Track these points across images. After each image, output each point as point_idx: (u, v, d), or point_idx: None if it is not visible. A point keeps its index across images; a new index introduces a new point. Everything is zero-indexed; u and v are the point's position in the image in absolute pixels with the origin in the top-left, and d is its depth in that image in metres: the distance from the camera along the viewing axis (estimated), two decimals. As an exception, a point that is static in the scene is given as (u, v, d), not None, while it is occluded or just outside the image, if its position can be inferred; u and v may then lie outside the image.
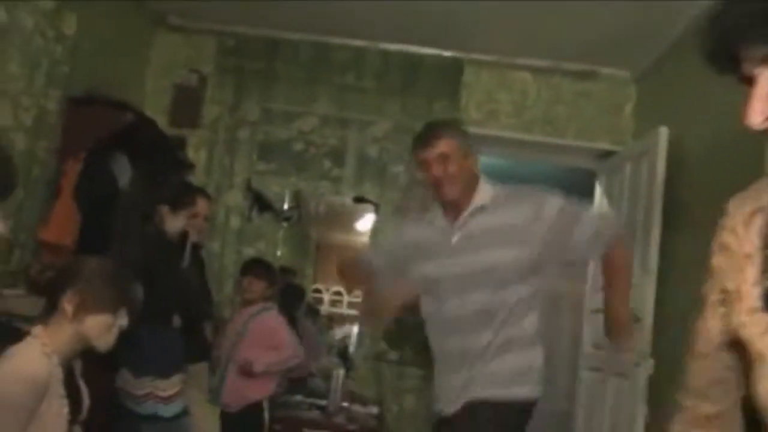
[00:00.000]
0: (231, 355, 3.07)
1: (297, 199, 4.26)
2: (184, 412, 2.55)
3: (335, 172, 3.82)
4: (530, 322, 1.94)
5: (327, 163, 3.82)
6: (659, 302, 2.88)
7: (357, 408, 3.61)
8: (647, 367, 2.92)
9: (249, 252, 3.75)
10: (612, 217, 2.13)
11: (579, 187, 4.29)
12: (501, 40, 3.53)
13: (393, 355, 3.68)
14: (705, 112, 2.86)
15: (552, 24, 3.26)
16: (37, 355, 1.50)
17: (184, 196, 2.82)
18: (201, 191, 3.07)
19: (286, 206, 3.94)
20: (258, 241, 3.80)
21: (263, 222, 3.83)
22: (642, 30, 3.19)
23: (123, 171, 3.12)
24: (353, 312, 8.23)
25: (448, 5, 3.20)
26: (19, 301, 2.38)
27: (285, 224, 4.12)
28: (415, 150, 1.96)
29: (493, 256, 1.88)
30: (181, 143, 3.71)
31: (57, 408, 1.53)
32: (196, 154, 3.76)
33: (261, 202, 3.80)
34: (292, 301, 4.25)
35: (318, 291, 9.01)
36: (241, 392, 3.04)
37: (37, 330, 1.58)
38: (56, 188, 2.78)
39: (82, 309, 1.57)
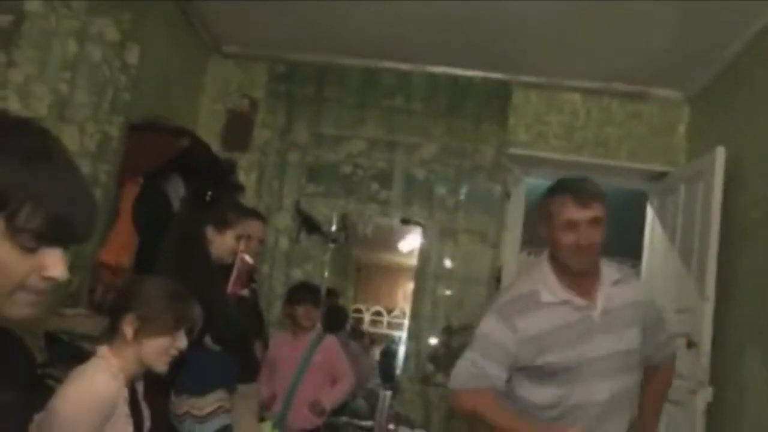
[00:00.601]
0: (296, 384, 3.14)
1: (344, 221, 4.30)
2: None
3: (383, 195, 3.85)
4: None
5: (374, 186, 3.86)
6: (717, 328, 2.80)
7: (404, 430, 3.56)
8: (705, 395, 2.83)
9: (297, 274, 3.80)
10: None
11: (630, 209, 4.24)
12: (549, 61, 3.52)
13: (440, 378, 3.64)
14: (762, 131, 2.79)
15: (601, 45, 3.25)
16: (105, 376, 1.55)
17: (229, 215, 2.76)
18: (255, 213, 3.07)
19: (333, 228, 3.99)
20: (306, 263, 3.85)
21: (311, 244, 3.88)
22: (694, 51, 3.15)
23: (178, 194, 3.21)
24: (393, 332, 8.20)
25: (496, 28, 3.22)
26: (81, 320, 2.45)
27: (332, 246, 4.16)
28: (563, 205, 1.68)
29: (632, 334, 1.76)
30: (233, 166, 3.80)
31: (122, 427, 1.58)
32: (246, 176, 3.84)
33: (309, 224, 3.86)
34: (337, 322, 4.28)
35: (358, 311, 9.04)
36: (306, 420, 3.13)
37: (103, 350, 1.62)
38: (115, 211, 2.86)
39: (141, 332, 1.62)
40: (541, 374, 1.73)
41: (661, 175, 3.61)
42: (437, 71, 3.76)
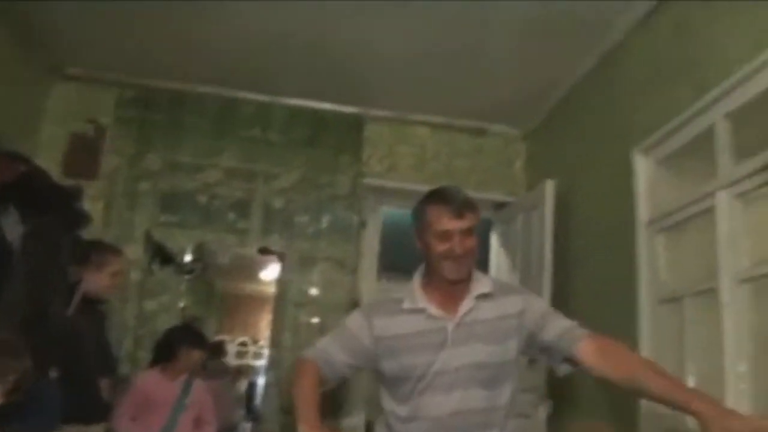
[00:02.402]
0: (172, 425, 3.07)
1: (200, 251, 4.20)
2: None
3: (241, 224, 3.81)
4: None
5: (232, 215, 3.81)
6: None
7: None
8: (546, 407, 3.08)
9: (151, 306, 3.64)
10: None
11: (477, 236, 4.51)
12: (399, 97, 3.73)
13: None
14: (587, 166, 3.14)
15: (447, 83, 3.50)
16: None
17: (105, 254, 2.82)
18: (114, 248, 2.99)
19: (188, 258, 3.89)
20: (161, 295, 3.71)
21: (165, 275, 3.74)
22: (529, 92, 3.50)
23: (13, 225, 2.97)
24: (259, 362, 8.02)
25: (350, 64, 3.37)
26: None
27: (188, 277, 4.05)
28: (439, 216, 1.72)
29: (497, 349, 1.74)
30: (77, 194, 3.58)
31: None
32: (93, 205, 3.63)
33: (163, 255, 3.73)
34: (208, 363, 4.13)
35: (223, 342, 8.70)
36: None
37: None
38: None
39: None
40: (396, 383, 1.76)
41: (502, 205, 3.92)
42: (296, 103, 3.83)
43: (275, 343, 3.81)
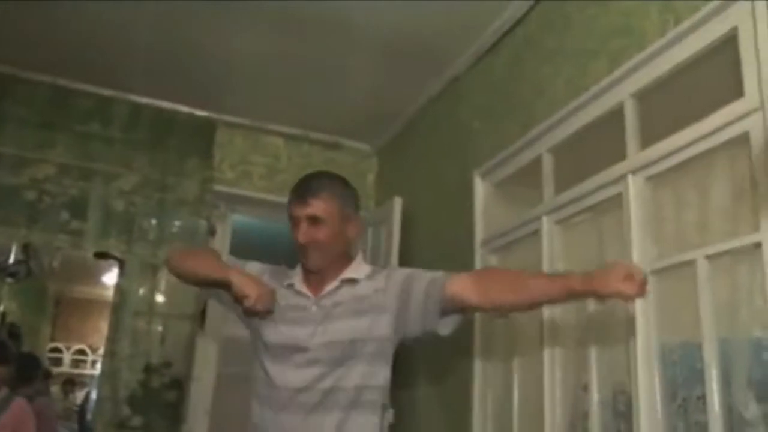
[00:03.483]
0: None
1: (27, 252, 3.84)
2: None
3: (75, 225, 3.53)
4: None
5: (65, 215, 3.52)
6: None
7: None
8: (389, 416, 3.15)
9: (-39, 313, 3.27)
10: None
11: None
12: (253, 104, 3.66)
13: (137, 421, 3.43)
14: (430, 183, 3.29)
15: (302, 95, 3.51)
16: None
17: None
18: None
19: (11, 260, 3.54)
20: (-25, 299, 3.34)
21: (-18, 278, 3.38)
22: (379, 109, 3.61)
23: None
24: (96, 372, 7.45)
25: (202, 67, 3.26)
26: None
27: (11, 280, 3.68)
28: (289, 201, 1.71)
29: (360, 324, 1.67)
30: None
31: None
32: None
33: (-21, 256, 3.37)
34: (28, 375, 3.80)
35: (57, 350, 8.02)
36: None
37: None
38: None
39: None
40: (265, 350, 1.73)
41: (354, 219, 3.98)
42: (141, 101, 3.62)
43: (110, 352, 3.57)
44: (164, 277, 3.64)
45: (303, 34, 2.93)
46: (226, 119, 3.77)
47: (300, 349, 1.67)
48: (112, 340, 3.61)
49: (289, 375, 1.66)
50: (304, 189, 1.70)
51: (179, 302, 3.64)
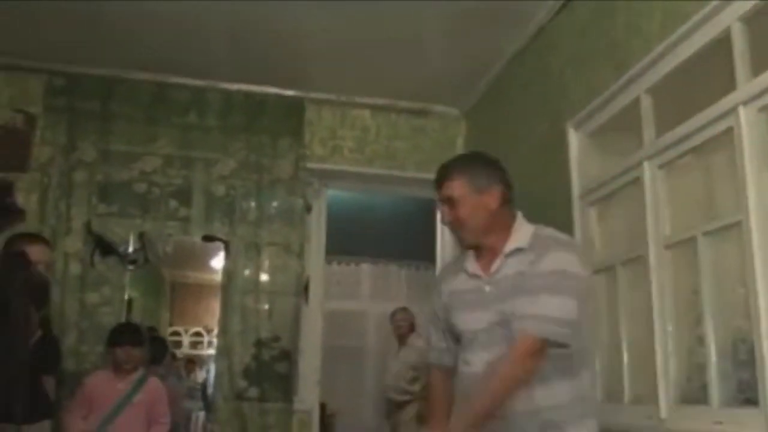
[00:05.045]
0: (109, 421, 3.03)
1: (142, 241, 4.11)
2: None
3: (182, 212, 3.75)
4: None
5: (173, 203, 3.75)
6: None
7: None
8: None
9: (93, 298, 3.55)
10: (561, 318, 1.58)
11: (421, 217, 4.58)
12: (340, 79, 3.72)
13: (253, 392, 3.63)
14: (523, 141, 3.21)
15: (386, 66, 3.51)
16: None
17: (26, 246, 2.63)
18: (36, 237, 2.87)
19: (131, 249, 3.80)
20: (102, 287, 3.61)
21: (107, 266, 3.65)
22: (464, 73, 3.56)
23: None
24: (213, 352, 7.90)
25: (285, 47, 3.33)
26: None
27: (131, 267, 3.96)
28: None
29: (515, 304, 1.62)
30: (8, 188, 3.46)
31: None
32: (27, 199, 3.52)
33: (103, 246, 3.64)
34: (157, 358, 4.10)
35: (177, 333, 8.56)
36: None
37: None
38: None
39: None
40: (460, 335, 1.78)
41: (444, 184, 3.96)
42: (232, 88, 3.77)
43: (223, 330, 3.78)
44: (267, 256, 3.81)
45: (377, 4, 2.91)
46: (314, 96, 3.85)
47: (481, 330, 1.69)
48: (224, 319, 3.83)
49: (477, 357, 1.69)
50: (438, 174, 1.78)
51: (282, 279, 3.78)
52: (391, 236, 5.81)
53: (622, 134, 2.48)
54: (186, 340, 8.34)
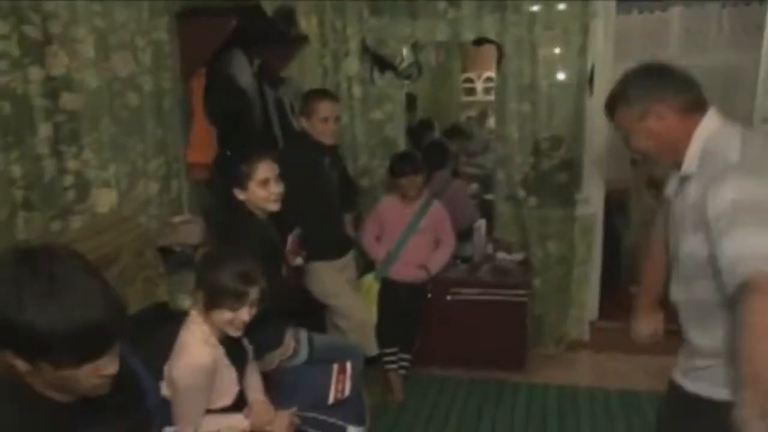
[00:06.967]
0: (402, 243, 3.33)
1: (415, 51, 4.07)
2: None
3: (451, 14, 3.62)
4: None
5: (442, 4, 3.62)
6: None
7: (502, 255, 3.70)
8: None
9: (377, 116, 3.79)
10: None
11: None
12: None
13: (532, 201, 3.70)
14: None
15: None
16: (201, 347, 1.79)
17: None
18: (324, 93, 3.02)
19: (405, 64, 3.81)
20: (385, 104, 3.80)
21: (385, 83, 3.77)
22: None
23: (243, 71, 3.15)
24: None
25: None
26: (187, 228, 2.67)
27: (408, 82, 4.02)
28: None
29: (695, 240, 1.49)
30: (290, 14, 3.62)
31: (227, 375, 1.88)
32: (308, 23, 3.68)
33: (381, 63, 3.73)
34: (437, 160, 4.26)
35: (470, 80, 8.65)
36: (412, 275, 3.36)
37: (194, 316, 1.85)
38: (189, 110, 2.88)
39: (209, 305, 1.81)
40: None
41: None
42: None
43: (501, 135, 3.77)
44: (540, 54, 3.51)
45: None
46: None
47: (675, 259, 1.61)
48: (500, 122, 3.78)
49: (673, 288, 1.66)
50: (606, 107, 1.67)
51: (561, 75, 3.53)
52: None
53: None
54: (479, 86, 8.20)
